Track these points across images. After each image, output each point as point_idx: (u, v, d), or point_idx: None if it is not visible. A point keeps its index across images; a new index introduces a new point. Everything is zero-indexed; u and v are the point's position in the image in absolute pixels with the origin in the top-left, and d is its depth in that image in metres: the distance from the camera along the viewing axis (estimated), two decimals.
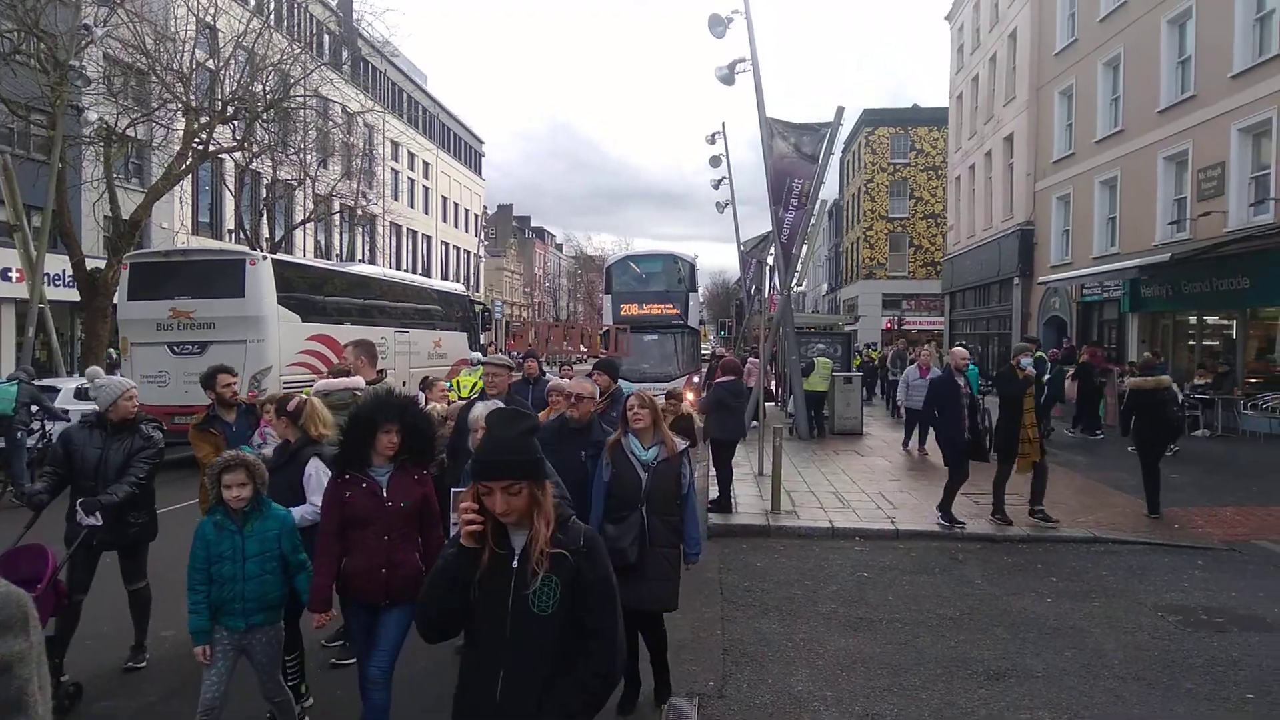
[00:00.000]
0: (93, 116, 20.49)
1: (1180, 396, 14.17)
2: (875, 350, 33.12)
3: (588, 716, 2.55)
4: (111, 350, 19.40)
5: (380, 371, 7.89)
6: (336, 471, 4.45)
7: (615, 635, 2.57)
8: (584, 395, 5.36)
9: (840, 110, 16.36)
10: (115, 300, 16.13)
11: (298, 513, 4.78)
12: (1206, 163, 18.21)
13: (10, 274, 23.15)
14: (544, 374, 9.77)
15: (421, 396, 7.78)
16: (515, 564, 2.49)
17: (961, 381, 9.53)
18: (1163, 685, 5.47)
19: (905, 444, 15.75)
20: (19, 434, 11.62)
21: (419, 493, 4.35)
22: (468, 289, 40.30)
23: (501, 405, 4.71)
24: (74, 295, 21.68)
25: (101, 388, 5.66)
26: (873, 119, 50.24)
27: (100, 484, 5.32)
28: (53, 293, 21.96)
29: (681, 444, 5.02)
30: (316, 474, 5.04)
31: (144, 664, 5.71)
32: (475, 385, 12.59)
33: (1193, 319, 20.30)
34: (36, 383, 9.84)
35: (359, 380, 6.96)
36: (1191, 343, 20.52)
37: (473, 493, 2.48)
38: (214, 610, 4.23)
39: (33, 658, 1.36)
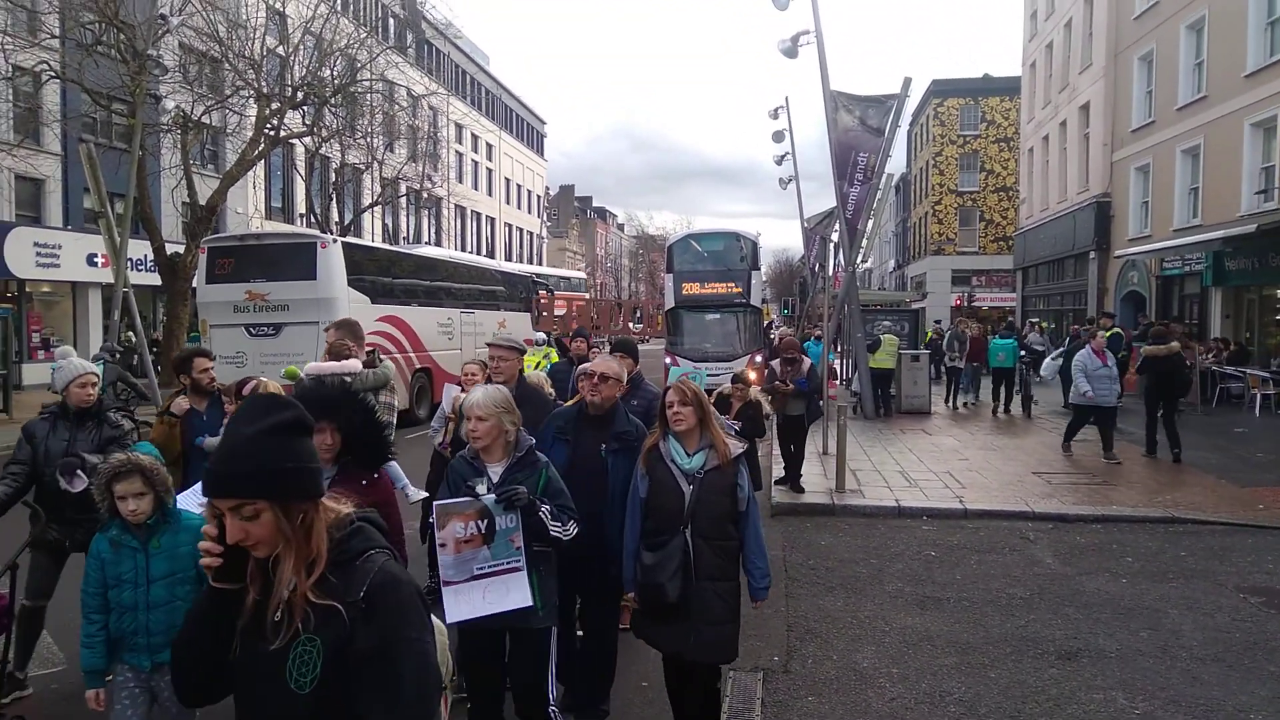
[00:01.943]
0: (170, 104, 21.19)
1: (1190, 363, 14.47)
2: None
3: None
4: (193, 334, 20.08)
5: (371, 352, 7.01)
6: None
7: None
8: (609, 375, 4.43)
9: (907, 81, 15.92)
10: (194, 283, 16.67)
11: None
12: None
13: (96, 259, 24.13)
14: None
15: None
16: (274, 617, 1.79)
17: None
18: (1244, 667, 5.31)
19: (1111, 452, 11.94)
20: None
21: (367, 501, 3.59)
22: (530, 269, 40.63)
23: (499, 389, 3.96)
24: (155, 279, 22.55)
25: (58, 370, 5.14)
26: (941, 90, 48.84)
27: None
28: (136, 277, 22.79)
29: (737, 448, 3.93)
30: None
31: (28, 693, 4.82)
32: (538, 365, 12.77)
33: None
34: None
35: (354, 364, 6.37)
36: None
37: (212, 512, 1.81)
38: (114, 645, 3.53)
39: None
